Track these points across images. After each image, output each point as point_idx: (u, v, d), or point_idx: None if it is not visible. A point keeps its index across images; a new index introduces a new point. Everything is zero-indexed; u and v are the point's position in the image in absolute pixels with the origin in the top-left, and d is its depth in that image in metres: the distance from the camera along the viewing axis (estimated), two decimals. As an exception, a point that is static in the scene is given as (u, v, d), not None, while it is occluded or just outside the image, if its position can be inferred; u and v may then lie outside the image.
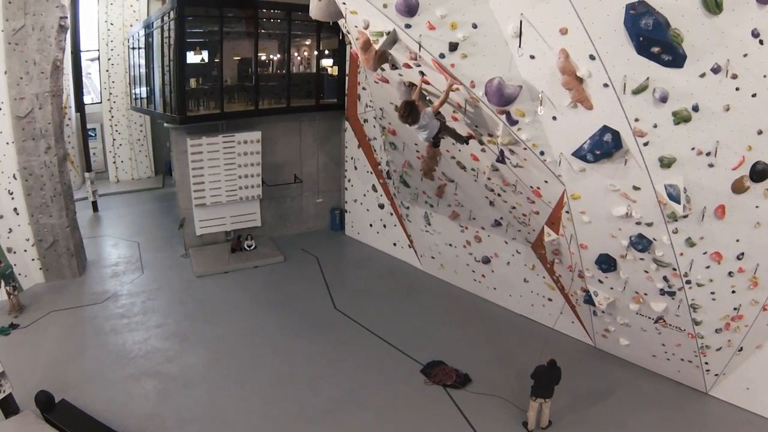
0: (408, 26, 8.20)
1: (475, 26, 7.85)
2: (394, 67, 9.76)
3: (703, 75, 6.98)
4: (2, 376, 10.25)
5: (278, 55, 19.16)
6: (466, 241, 15.34)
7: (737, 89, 7.08)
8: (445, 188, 14.62)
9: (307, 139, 20.26)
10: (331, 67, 20.16)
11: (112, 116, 28.00)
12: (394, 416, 11.09)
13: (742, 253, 8.99)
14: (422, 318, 14.96)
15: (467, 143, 10.32)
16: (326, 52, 19.73)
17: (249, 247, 18.71)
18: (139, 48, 22.93)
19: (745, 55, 6.81)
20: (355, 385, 12.07)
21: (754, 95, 7.12)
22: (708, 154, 7.71)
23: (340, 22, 10.69)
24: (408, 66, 9.35)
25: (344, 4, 8.68)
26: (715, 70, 6.91)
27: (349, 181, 19.88)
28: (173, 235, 20.17)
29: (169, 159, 28.81)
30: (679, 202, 8.06)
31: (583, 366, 12.62)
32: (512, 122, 8.70)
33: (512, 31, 7.57)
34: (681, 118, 7.35)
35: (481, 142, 10.49)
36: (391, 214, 18.20)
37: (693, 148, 7.68)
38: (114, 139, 28.36)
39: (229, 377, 12.27)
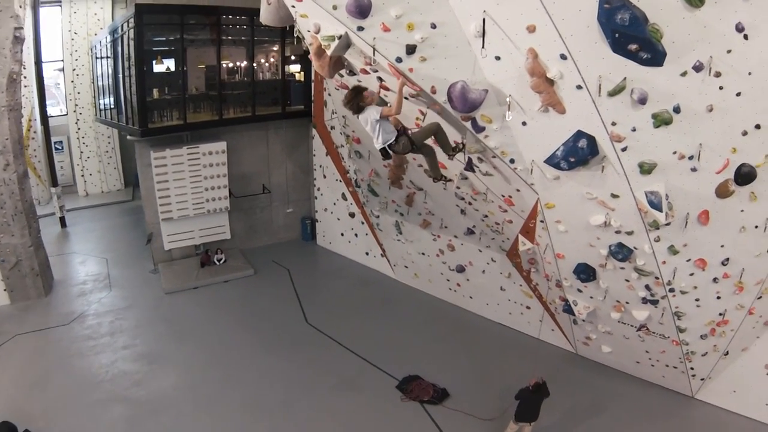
0: (360, 29, 7.39)
1: (434, 26, 7.08)
2: (351, 73, 8.93)
3: (684, 74, 6.34)
4: None
5: (243, 62, 18.30)
6: (439, 249, 14.61)
7: (721, 88, 6.47)
8: (414, 197, 13.87)
9: (274, 148, 19.44)
10: (299, 72, 19.29)
11: (79, 128, 26.83)
12: None
13: (727, 259, 8.51)
14: (397, 330, 14.26)
15: (455, 151, 9.27)
16: (292, 57, 18.89)
17: (219, 261, 17.85)
18: (102, 57, 21.95)
19: (729, 51, 6.20)
20: (330, 404, 11.43)
21: (738, 94, 6.54)
22: (691, 157, 7.10)
23: (295, 26, 9.87)
24: (365, 72, 8.52)
25: (293, 7, 7.82)
26: (697, 68, 6.27)
27: (318, 189, 19.08)
28: (142, 250, 19.16)
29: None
30: (661, 210, 7.42)
31: (566, 375, 12.14)
32: (479, 129, 7.93)
33: (475, 31, 6.81)
34: (661, 121, 6.70)
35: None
36: (363, 222, 17.44)
37: (675, 152, 7.05)
38: (81, 152, 27.16)
39: (200, 401, 11.55)
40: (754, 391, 10.73)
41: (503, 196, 9.81)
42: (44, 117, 22.72)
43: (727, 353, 10.32)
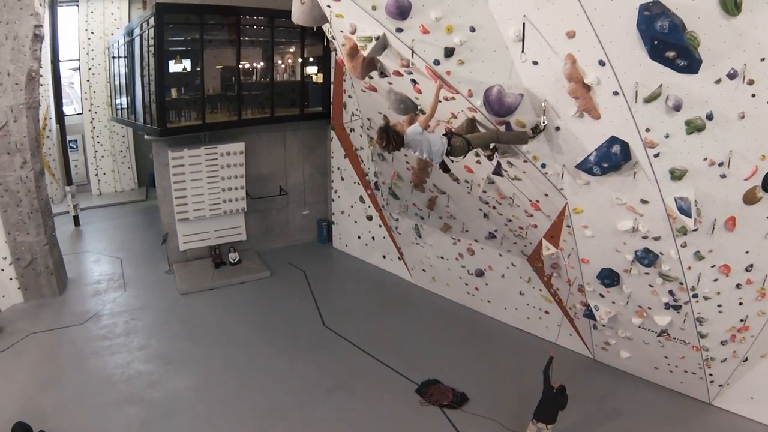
0: (399, 30, 7.55)
1: (473, 29, 7.23)
2: (383, 75, 9.09)
3: (718, 81, 6.45)
4: None
5: (261, 63, 18.53)
6: (458, 253, 14.79)
7: (753, 95, 6.56)
8: (437, 200, 14.03)
9: (292, 150, 19.66)
10: (316, 74, 19.54)
11: (94, 127, 27.17)
12: None
13: (751, 265, 8.59)
14: (414, 334, 14.40)
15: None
16: (310, 59, 19.13)
17: (233, 260, 18.04)
18: (119, 57, 22.25)
19: (763, 59, 6.29)
20: (348, 408, 11.51)
21: None
22: (720, 164, 7.22)
23: (325, 27, 10.02)
24: (398, 74, 8.68)
25: (329, 7, 8.00)
26: (731, 75, 6.38)
27: (335, 192, 19.28)
28: (156, 250, 19.44)
29: (152, 171, 28.11)
30: (690, 216, 7.56)
31: (584, 380, 12.25)
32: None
33: (514, 35, 6.97)
34: (694, 128, 6.82)
35: (476, 153, 9.87)
36: (380, 225, 17.63)
37: (705, 159, 7.17)
38: (96, 151, 27.54)
39: (215, 403, 11.62)
40: None
41: (531, 200, 9.97)
42: (60, 116, 23.04)
43: (746, 359, 10.43)
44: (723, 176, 7.32)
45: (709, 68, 6.32)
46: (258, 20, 17.57)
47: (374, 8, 7.47)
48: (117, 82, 23.59)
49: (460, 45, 7.41)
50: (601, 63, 6.57)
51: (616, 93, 6.74)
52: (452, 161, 7.96)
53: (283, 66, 19.32)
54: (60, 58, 22.64)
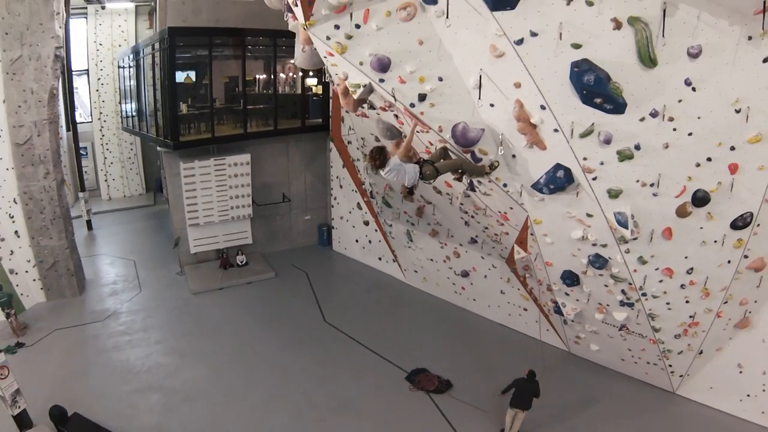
0: (381, 80, 9.15)
1: (440, 79, 8.84)
2: (371, 107, 10.71)
3: (642, 119, 7.97)
4: (18, 392, 10.96)
5: (264, 77, 20.04)
6: (446, 256, 16.32)
7: (674, 129, 8.04)
8: (424, 209, 15.63)
9: (294, 159, 21.17)
10: (316, 86, 21.00)
11: (103, 135, 28.79)
12: (384, 422, 12.03)
13: (692, 268, 9.93)
14: (407, 328, 15.90)
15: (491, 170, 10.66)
16: (310, 73, 20.48)
17: (241, 262, 19.61)
18: (130, 71, 23.71)
19: (680, 101, 7.78)
20: (346, 394, 12.96)
21: (690, 134, 8.08)
22: (652, 185, 8.69)
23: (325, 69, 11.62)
24: (384, 109, 10.31)
25: (326, 57, 9.58)
26: (654, 114, 7.90)
27: (335, 199, 20.81)
28: (167, 253, 20.92)
29: (159, 176, 29.66)
30: (627, 227, 9.04)
31: (560, 371, 13.62)
32: (477, 160, 9.69)
33: (473, 84, 8.56)
34: (625, 156, 8.35)
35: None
36: (376, 230, 19.15)
37: (638, 181, 8.67)
38: (105, 158, 29.15)
39: (229, 390, 13.06)
40: (729, 388, 12.08)
41: (500, 212, 11.50)
42: (73, 124, 24.59)
43: (702, 352, 11.72)
44: (655, 194, 8.81)
45: (633, 110, 7.87)
46: (261, 40, 19.06)
47: (361, 63, 9.06)
48: (128, 96, 25.07)
49: (431, 91, 9.01)
50: (543, 107, 8.17)
51: (556, 130, 8.33)
52: (428, 183, 9.69)
53: (285, 78, 20.79)
54: (72, 70, 24.20)
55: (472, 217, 13.38)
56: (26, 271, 16.98)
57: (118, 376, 13.66)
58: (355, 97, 9.40)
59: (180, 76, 18.02)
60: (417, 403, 12.59)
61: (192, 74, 18.71)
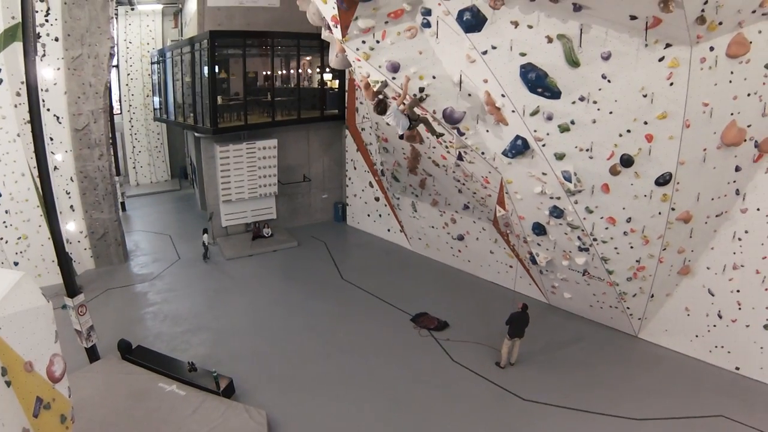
0: (393, 78, 13.36)
1: (434, 77, 13.08)
2: (385, 96, 14.91)
3: (574, 102, 11.78)
4: (92, 328, 13.96)
5: (288, 72, 24.22)
6: (444, 222, 20.42)
7: (598, 109, 11.69)
8: (426, 181, 19.74)
9: (314, 145, 25.47)
10: (331, 80, 25.04)
11: (132, 126, 33.04)
12: (393, 351, 15.50)
13: (630, 218, 13.11)
14: (411, 284, 19.66)
15: (439, 136, 14.51)
16: (327, 69, 24.26)
17: (267, 234, 23.74)
18: (167, 67, 27.66)
19: (600, 89, 11.47)
20: (362, 330, 16.59)
21: (611, 112, 11.60)
22: (587, 150, 12.36)
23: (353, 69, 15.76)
24: (395, 98, 14.51)
25: (354, 61, 13.93)
26: (582, 99, 11.67)
27: (349, 179, 25.06)
28: (199, 228, 24.56)
29: (184, 164, 33.84)
30: (571, 181, 12.87)
31: (541, 320, 16.79)
32: (461, 134, 13.84)
33: (456, 80, 12.78)
34: (563, 129, 12.21)
35: (446, 148, 15.68)
36: (385, 205, 23.43)
37: (576, 147, 12.43)
38: (134, 147, 33.44)
39: (266, 328, 16.75)
40: (680, 329, 14.99)
41: (482, 176, 15.44)
42: (110, 113, 28.35)
43: (653, 296, 14.75)
44: (591, 157, 12.48)
45: (566, 96, 11.76)
46: (287, 42, 23.09)
47: (380, 66, 13.28)
48: (162, 89, 29.06)
49: (428, 85, 13.24)
50: (503, 95, 12.29)
51: (513, 111, 12.39)
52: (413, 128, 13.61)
53: (309, 72, 24.94)
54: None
55: (464, 184, 17.38)
56: (79, 241, 20.63)
57: (170, 321, 17.23)
58: (374, 89, 13.67)
59: (217, 71, 21.87)
60: (420, 339, 16.12)
61: (227, 70, 22.73)
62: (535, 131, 12.65)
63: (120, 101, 33.43)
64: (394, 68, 13.25)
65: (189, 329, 16.76)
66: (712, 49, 10.75)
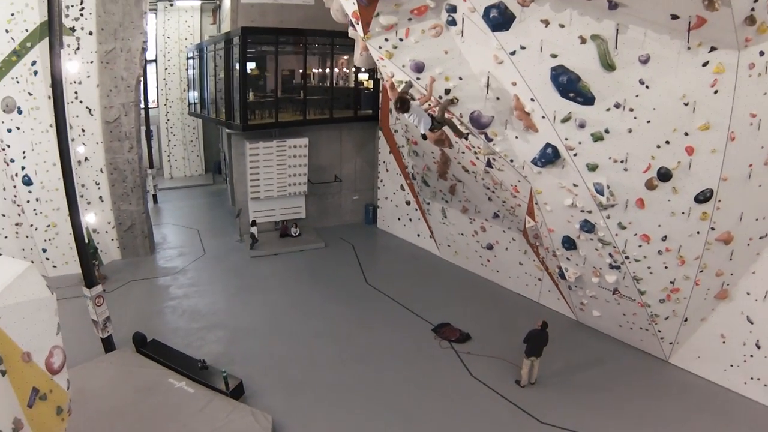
0: (418, 78, 12.98)
1: (461, 78, 12.64)
2: (412, 98, 14.57)
3: (608, 109, 11.24)
4: (108, 319, 14.27)
5: (321, 70, 24.11)
6: (474, 230, 20.02)
7: (635, 118, 11.13)
8: (456, 187, 19.39)
9: (346, 145, 25.32)
10: (367, 80, 24.90)
11: (168, 119, 33.57)
12: (411, 362, 15.14)
13: (666, 236, 12.44)
14: (437, 293, 19.28)
15: (466, 138, 14.07)
16: (362, 69, 23.52)
17: (295, 233, 23.67)
18: (201, 63, 28.04)
19: (637, 96, 10.89)
20: (381, 338, 16.27)
21: (648, 122, 11.04)
22: (622, 161, 11.80)
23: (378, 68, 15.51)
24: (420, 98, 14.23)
25: (378, 60, 13.52)
26: (617, 105, 11.12)
27: (381, 181, 24.84)
28: (228, 224, 25.14)
29: (218, 159, 34.22)
30: (603, 195, 12.32)
31: (568, 337, 16.33)
32: (489, 139, 13.42)
33: (484, 82, 12.34)
34: (597, 138, 11.68)
35: (475, 154, 15.23)
36: (416, 209, 23.08)
37: (610, 158, 11.89)
38: (169, 140, 33.96)
39: (283, 329, 16.63)
40: (714, 357, 14.07)
41: (512, 185, 15.00)
42: (145, 109, 28.77)
43: (686, 320, 13.96)
44: (626, 170, 11.93)
45: (600, 102, 11.23)
46: (320, 39, 23.03)
47: (403, 66, 12.90)
48: (197, 84, 29.40)
49: (453, 88, 12.81)
50: (532, 100, 11.82)
51: (543, 117, 11.92)
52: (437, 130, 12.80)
53: (339, 73, 24.76)
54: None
55: (493, 191, 16.96)
56: (106, 232, 21.11)
57: (188, 316, 17.39)
58: (399, 90, 13.28)
59: (248, 68, 22.03)
60: (440, 350, 15.76)
61: (259, 67, 22.84)
62: (566, 139, 12.15)
63: (157, 95, 33.97)
64: (419, 68, 12.87)
65: (206, 326, 16.88)
66: (762, 53, 10.00)
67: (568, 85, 11.20)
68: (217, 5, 32.15)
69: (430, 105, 12.58)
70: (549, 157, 12.60)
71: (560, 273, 16.22)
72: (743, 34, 9.60)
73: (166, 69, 33.30)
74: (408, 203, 23.51)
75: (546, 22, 10.87)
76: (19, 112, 18.02)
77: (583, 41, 10.73)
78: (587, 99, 11.31)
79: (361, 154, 25.93)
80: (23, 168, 18.45)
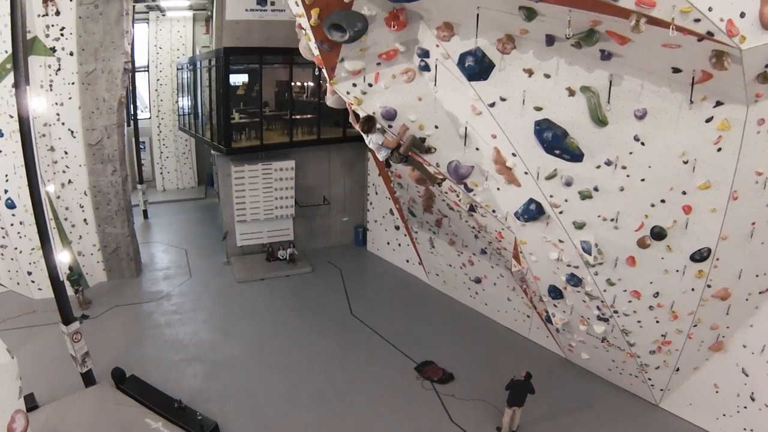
0: (390, 126, 11.55)
1: (437, 127, 11.30)
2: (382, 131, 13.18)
3: (598, 167, 10.08)
4: (87, 354, 13.75)
5: (309, 87, 22.93)
6: (462, 263, 18.72)
7: (628, 176, 10.02)
8: (442, 221, 18.10)
9: (335, 165, 23.92)
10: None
11: (160, 131, 32.40)
12: (391, 402, 14.33)
13: (657, 292, 11.55)
14: (423, 325, 18.22)
15: (440, 185, 12.88)
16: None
17: (282, 257, 22.49)
18: (188, 81, 26.93)
19: (631, 153, 9.77)
20: (362, 376, 15.39)
21: (642, 180, 9.98)
22: (612, 219, 10.68)
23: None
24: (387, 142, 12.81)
25: (349, 104, 12.04)
26: (608, 163, 9.97)
27: (371, 203, 23.52)
28: (216, 243, 24.03)
29: (211, 171, 32.99)
30: (590, 254, 11.15)
31: (556, 375, 15.46)
32: (469, 190, 12.12)
33: (461, 132, 11.03)
34: (585, 196, 10.51)
35: (457, 195, 13.85)
36: (405, 235, 21.69)
37: (599, 216, 10.75)
38: (161, 152, 32.82)
39: (263, 364, 15.79)
40: (707, 406, 13.28)
41: (496, 230, 13.74)
42: (134, 121, 28.12)
43: (678, 369, 13.16)
44: (616, 228, 10.78)
45: (590, 159, 10.04)
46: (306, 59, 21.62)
47: (373, 113, 11.39)
48: (186, 102, 28.30)
49: (429, 136, 11.47)
50: (513, 154, 10.57)
51: (526, 173, 10.69)
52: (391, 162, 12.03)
53: (327, 90, 23.29)
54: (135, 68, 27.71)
55: (479, 231, 15.73)
56: (91, 254, 20.18)
57: (169, 347, 16.61)
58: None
59: (233, 83, 20.89)
60: (422, 390, 14.86)
61: (244, 84, 21.72)
62: (551, 196, 10.97)
63: (149, 106, 32.84)
64: (390, 115, 11.45)
65: (185, 358, 16.18)
66: (774, 108, 8.74)
67: (554, 142, 10.01)
68: (209, 15, 30.70)
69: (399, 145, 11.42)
70: (532, 213, 11.40)
71: (547, 317, 15.17)
72: (753, 89, 8.49)
73: (158, 80, 32.09)
74: (397, 228, 22.16)
75: (530, 72, 9.71)
76: (1, 134, 17.26)
77: (572, 93, 9.60)
78: (575, 156, 10.14)
79: (351, 175, 24.53)
80: (6, 191, 17.73)
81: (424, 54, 10.47)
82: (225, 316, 18.71)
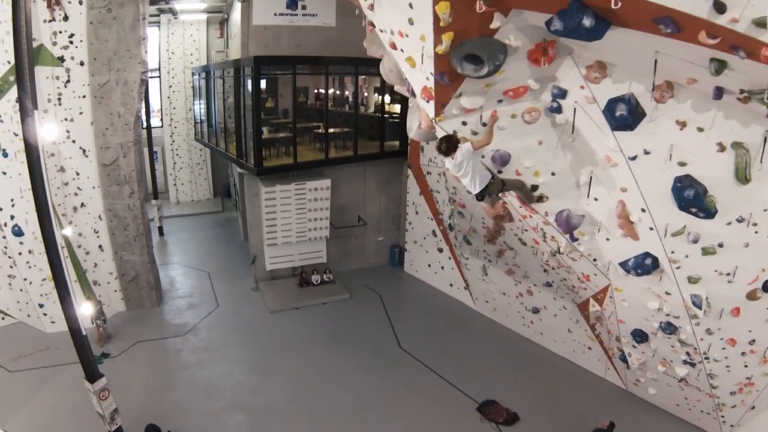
0: (500, 172, 10.56)
1: (553, 174, 10.33)
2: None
3: (729, 223, 9.22)
4: (116, 411, 12.23)
5: (344, 99, 21.79)
6: (518, 292, 17.69)
7: (756, 232, 9.21)
8: (505, 252, 17.00)
9: (371, 182, 22.59)
10: (390, 104, 22.37)
11: (173, 140, 30.91)
12: None
13: (754, 340, 10.95)
14: (476, 357, 17.07)
15: (540, 200, 11.21)
16: (388, 97, 21.85)
17: (316, 281, 21.24)
18: (209, 92, 25.30)
19: (765, 210, 8.96)
20: (420, 420, 14.09)
21: None
22: (729, 274, 9.89)
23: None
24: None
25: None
26: (740, 220, 9.11)
27: (410, 223, 22.24)
28: (240, 264, 22.63)
29: (227, 182, 31.69)
30: (701, 308, 10.36)
31: (618, 409, 14.49)
32: (573, 239, 11.19)
33: (584, 181, 10.05)
34: (708, 252, 9.67)
35: (543, 237, 12.95)
36: (450, 258, 20.53)
37: (716, 271, 9.94)
38: (175, 162, 31.32)
39: (310, 412, 14.24)
40: None
41: (583, 273, 12.87)
42: (148, 129, 26.11)
43: (754, 407, 12.57)
44: (730, 282, 10.00)
45: (722, 216, 9.14)
46: (343, 68, 20.55)
47: (483, 156, 10.37)
48: (204, 112, 26.69)
49: (543, 184, 10.49)
50: (643, 210, 9.65)
51: (651, 228, 9.78)
52: (488, 197, 9.87)
53: (361, 98, 22.23)
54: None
55: (553, 269, 14.77)
56: (108, 283, 18.57)
57: (203, 392, 14.92)
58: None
59: (265, 102, 19.69)
60: None
61: (273, 99, 20.49)
62: (672, 252, 10.05)
63: (161, 114, 31.20)
64: (504, 161, 10.40)
65: (224, 406, 14.41)
66: None
67: (694, 200, 9.04)
68: (224, 18, 29.30)
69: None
70: (646, 268, 10.45)
71: (621, 356, 14.25)
72: None
73: (170, 87, 30.49)
74: (440, 250, 20.97)
75: (683, 124, 8.78)
76: (5, 155, 15.59)
77: (722, 149, 8.64)
78: (709, 214, 9.21)
79: (387, 192, 23.26)
80: (12, 217, 16.09)
81: (561, 94, 9.45)
82: (260, 353, 17.12)
